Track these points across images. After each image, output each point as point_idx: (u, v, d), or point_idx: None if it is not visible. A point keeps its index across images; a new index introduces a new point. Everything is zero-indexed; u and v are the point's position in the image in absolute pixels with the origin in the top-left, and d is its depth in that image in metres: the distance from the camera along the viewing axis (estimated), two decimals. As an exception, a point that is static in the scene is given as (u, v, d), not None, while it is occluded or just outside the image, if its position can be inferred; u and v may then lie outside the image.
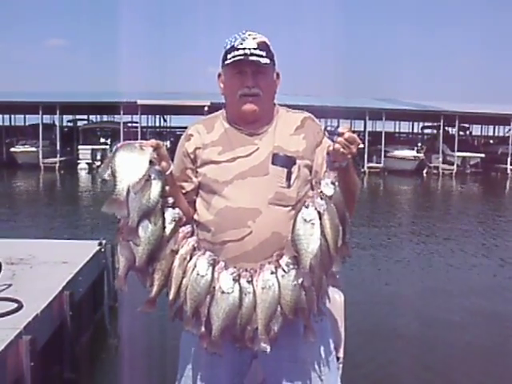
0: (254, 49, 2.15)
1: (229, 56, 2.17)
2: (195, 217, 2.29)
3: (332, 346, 2.39)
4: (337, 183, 2.02)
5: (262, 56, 2.16)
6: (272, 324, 2.05)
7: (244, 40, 2.17)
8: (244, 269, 2.08)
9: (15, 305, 4.23)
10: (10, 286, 4.80)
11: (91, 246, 6.56)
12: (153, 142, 2.01)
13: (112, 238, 6.73)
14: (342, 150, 1.98)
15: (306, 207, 2.00)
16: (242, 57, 2.14)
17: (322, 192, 2.01)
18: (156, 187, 1.93)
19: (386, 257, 10.95)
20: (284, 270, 2.05)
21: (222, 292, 2.01)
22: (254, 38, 2.18)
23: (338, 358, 2.52)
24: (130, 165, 1.88)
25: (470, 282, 9.26)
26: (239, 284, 2.03)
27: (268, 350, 2.05)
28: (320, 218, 1.99)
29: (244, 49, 2.15)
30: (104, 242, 6.66)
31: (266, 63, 2.17)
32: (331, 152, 2.01)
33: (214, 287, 2.03)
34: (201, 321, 2.05)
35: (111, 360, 5.79)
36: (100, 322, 6.61)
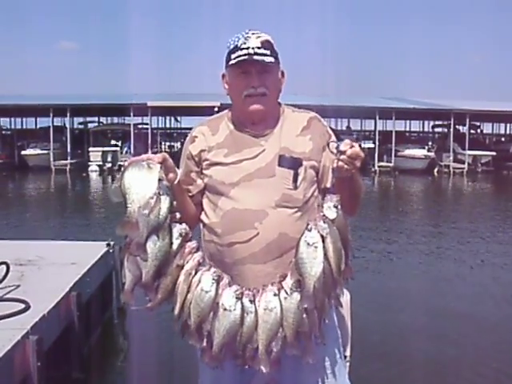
0: (258, 48, 2.14)
1: (232, 56, 2.15)
2: (202, 218, 2.30)
3: (339, 344, 2.39)
4: (339, 206, 2.03)
5: (266, 55, 2.14)
6: (273, 346, 2.07)
7: (247, 39, 2.16)
8: (247, 288, 2.09)
9: (22, 305, 4.24)
10: (18, 286, 4.82)
11: (99, 247, 6.56)
12: (159, 156, 2.01)
13: (120, 240, 6.74)
14: (345, 166, 1.98)
15: (309, 230, 2.01)
16: (246, 57, 2.12)
17: (324, 215, 2.02)
18: (164, 203, 1.95)
19: (397, 258, 10.90)
20: (287, 293, 2.07)
21: (224, 309, 2.04)
22: (257, 37, 2.17)
23: (345, 357, 2.51)
24: (139, 186, 1.91)
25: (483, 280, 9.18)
26: (241, 302, 2.05)
27: (267, 370, 2.07)
28: (323, 241, 2.00)
29: (248, 48, 2.13)
30: (112, 243, 6.65)
31: (270, 62, 2.15)
32: (335, 168, 2.02)
33: (218, 303, 2.05)
34: (203, 335, 2.08)
35: (120, 360, 5.79)
36: (108, 323, 6.61)
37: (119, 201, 1.92)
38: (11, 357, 3.59)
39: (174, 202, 2.03)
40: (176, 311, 2.07)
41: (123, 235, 1.94)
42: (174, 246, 2.02)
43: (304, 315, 2.07)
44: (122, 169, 1.97)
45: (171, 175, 2.06)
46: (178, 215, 2.07)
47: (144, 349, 5.57)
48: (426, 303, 7.32)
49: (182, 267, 2.05)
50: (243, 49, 2.13)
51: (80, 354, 5.02)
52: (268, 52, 2.15)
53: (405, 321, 6.78)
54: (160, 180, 1.94)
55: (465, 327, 6.58)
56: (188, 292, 2.05)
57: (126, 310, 6.82)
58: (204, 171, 2.27)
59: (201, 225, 2.32)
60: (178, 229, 2.05)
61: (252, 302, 2.06)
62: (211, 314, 2.04)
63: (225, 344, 2.05)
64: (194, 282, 2.05)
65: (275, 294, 2.06)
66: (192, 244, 2.10)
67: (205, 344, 2.09)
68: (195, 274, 2.07)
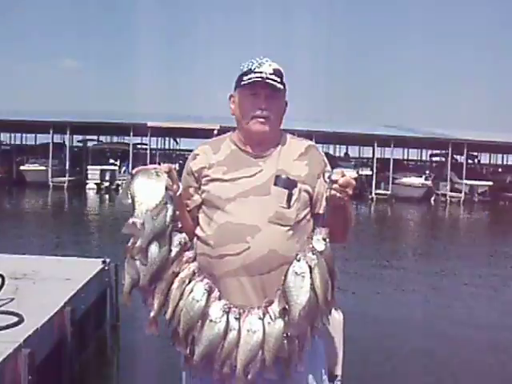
0: (271, 74, 2.26)
1: (245, 78, 2.27)
2: (196, 231, 2.35)
3: (324, 366, 2.40)
4: (328, 239, 2.11)
5: (277, 81, 2.26)
6: (251, 367, 2.10)
7: (261, 64, 2.28)
8: (234, 305, 2.14)
9: (16, 318, 4.25)
10: (12, 299, 4.83)
11: (95, 264, 6.58)
12: (165, 166, 2.12)
13: (116, 257, 6.76)
14: (338, 195, 2.08)
15: (298, 261, 2.08)
16: (259, 79, 2.24)
17: (313, 247, 2.09)
18: (169, 212, 2.03)
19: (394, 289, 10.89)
20: (271, 318, 2.12)
21: (210, 320, 2.09)
22: (270, 65, 2.29)
23: (336, 376, 2.53)
24: (148, 191, 2.01)
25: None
26: (227, 317, 2.11)
27: None
28: (310, 272, 2.07)
29: (261, 72, 2.25)
30: (108, 260, 6.66)
31: (280, 88, 2.28)
32: (329, 197, 2.11)
33: (205, 314, 2.11)
34: (188, 343, 2.13)
35: (112, 377, 5.77)
36: (102, 340, 6.60)
37: (127, 204, 2.01)
38: (3, 369, 3.60)
39: (177, 212, 2.11)
40: (167, 316, 2.13)
41: (128, 234, 2.00)
42: (173, 254, 2.10)
43: (285, 341, 2.11)
44: (130, 176, 2.06)
45: (175, 186, 2.14)
46: (179, 224, 2.15)
47: (137, 364, 5.56)
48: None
49: (177, 274, 2.12)
50: (257, 72, 2.26)
51: (72, 370, 5.00)
52: (279, 79, 2.27)
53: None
54: (166, 189, 2.03)
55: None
56: (180, 299, 2.12)
57: (119, 327, 6.83)
58: (203, 187, 2.34)
59: (195, 238, 2.37)
60: (178, 238, 2.13)
61: (237, 319, 2.11)
62: (199, 323, 2.10)
63: (206, 355, 2.10)
64: (187, 291, 2.12)
65: (260, 318, 2.11)
66: (189, 254, 2.18)
67: (188, 352, 2.14)
68: (189, 282, 2.13)
